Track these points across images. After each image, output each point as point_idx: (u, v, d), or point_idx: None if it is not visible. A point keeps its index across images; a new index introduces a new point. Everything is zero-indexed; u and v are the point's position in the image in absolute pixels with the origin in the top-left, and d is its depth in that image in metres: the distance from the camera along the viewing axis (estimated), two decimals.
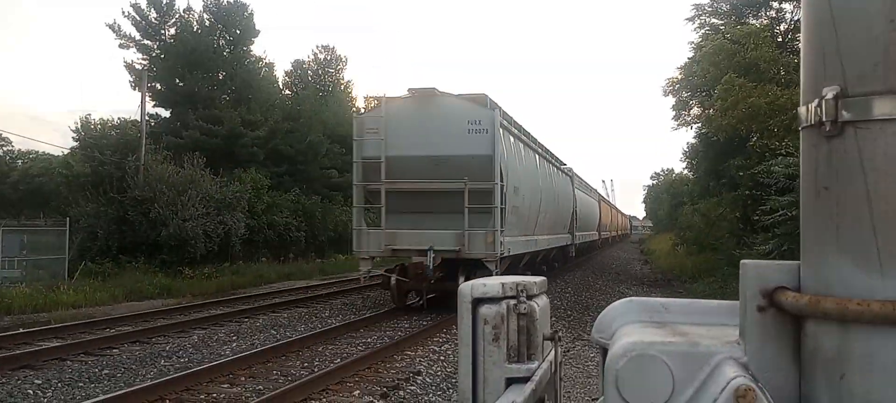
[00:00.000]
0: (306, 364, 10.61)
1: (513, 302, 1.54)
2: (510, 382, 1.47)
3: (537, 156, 19.83)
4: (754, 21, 28.01)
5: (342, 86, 49.64)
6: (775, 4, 29.28)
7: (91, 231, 23.98)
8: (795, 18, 29.46)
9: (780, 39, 29.64)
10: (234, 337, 12.92)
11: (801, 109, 0.85)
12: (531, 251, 18.91)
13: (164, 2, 35.49)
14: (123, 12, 35.11)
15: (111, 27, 35.02)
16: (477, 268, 14.18)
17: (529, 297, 1.58)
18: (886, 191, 0.73)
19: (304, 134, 37.73)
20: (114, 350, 11.55)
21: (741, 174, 19.13)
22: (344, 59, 50.12)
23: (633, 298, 1.19)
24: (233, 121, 33.78)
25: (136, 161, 25.53)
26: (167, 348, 11.79)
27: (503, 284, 1.56)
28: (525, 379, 1.45)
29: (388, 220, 15.01)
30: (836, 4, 0.77)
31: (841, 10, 0.77)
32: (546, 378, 1.50)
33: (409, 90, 15.50)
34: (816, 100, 0.79)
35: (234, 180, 29.01)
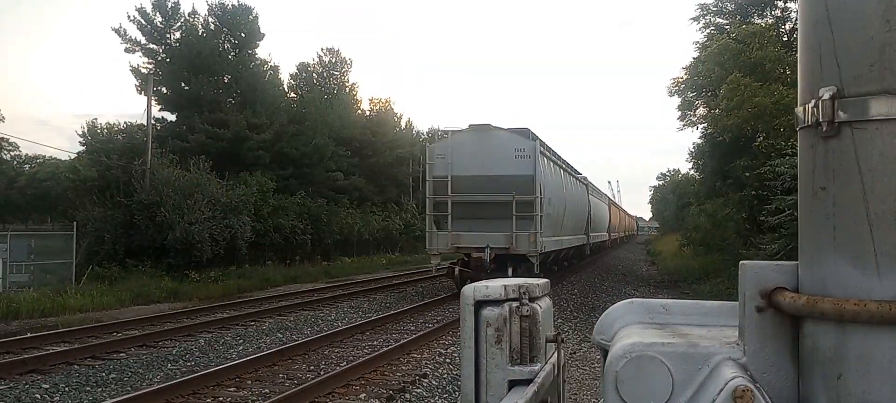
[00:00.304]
0: (312, 367, 10.62)
1: (515, 304, 1.54)
2: (513, 384, 1.46)
3: (562, 172, 23.80)
4: (759, 20, 27.92)
5: (347, 89, 49.76)
6: (780, 3, 29.16)
7: (98, 235, 24.09)
8: None
9: (785, 38, 29.55)
10: (240, 341, 12.95)
11: (799, 110, 0.85)
12: (558, 248, 22.68)
13: (169, 6, 35.62)
14: (129, 16, 35.41)
15: (117, 31, 35.23)
16: (522, 262, 18.29)
17: (532, 299, 1.58)
18: (883, 190, 0.73)
19: (309, 137, 37.81)
20: (121, 354, 11.59)
21: (747, 174, 19.04)
22: (349, 62, 50.33)
23: (633, 299, 1.19)
24: (238, 124, 33.88)
25: (142, 165, 25.62)
26: (174, 352, 11.82)
27: (505, 286, 1.55)
28: (528, 382, 1.44)
29: (453, 225, 18.94)
30: (832, 5, 0.78)
31: (837, 11, 0.77)
32: (549, 379, 1.50)
33: (470, 126, 19.52)
34: (813, 101, 0.80)
35: (240, 183, 29.09)
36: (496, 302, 1.53)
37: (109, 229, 24.19)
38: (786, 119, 17.12)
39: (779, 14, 29.15)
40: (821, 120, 0.78)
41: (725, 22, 28.09)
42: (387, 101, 54.22)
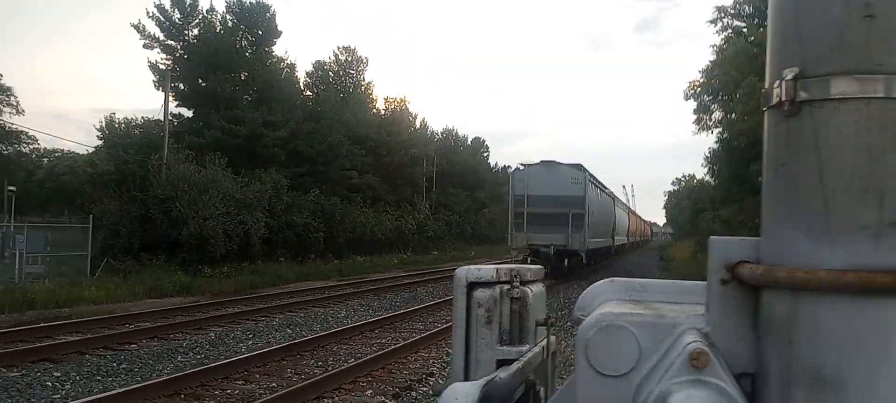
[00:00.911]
0: (320, 363, 10.66)
1: (506, 286, 1.54)
2: (501, 364, 1.46)
3: (599, 192, 31.75)
4: None
5: (363, 88, 49.90)
6: None
7: (114, 228, 24.31)
8: None
9: None
10: (250, 335, 13.02)
11: (765, 91, 0.88)
12: (596, 247, 30.18)
13: (188, 2, 35.93)
14: (148, 13, 35.60)
15: (136, 27, 35.54)
16: (574, 255, 26.14)
17: (523, 283, 1.58)
18: (838, 166, 0.78)
19: (324, 135, 37.95)
20: (132, 346, 11.70)
21: (761, 179, 18.88)
22: (365, 61, 50.42)
23: (614, 279, 1.23)
24: (254, 121, 34.08)
25: (158, 160, 25.84)
26: (184, 344, 11.91)
27: (498, 269, 1.56)
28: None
29: (527, 228, 25.98)
30: None
31: None
32: (537, 361, 1.49)
33: (541, 161, 27.27)
34: (778, 81, 0.84)
35: (255, 180, 29.27)
36: (487, 284, 1.53)
37: (125, 223, 24.40)
38: None
39: None
40: (783, 99, 0.82)
41: (743, 25, 27.87)
42: (402, 101, 54.37)
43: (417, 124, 55.58)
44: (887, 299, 0.76)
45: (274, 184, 30.41)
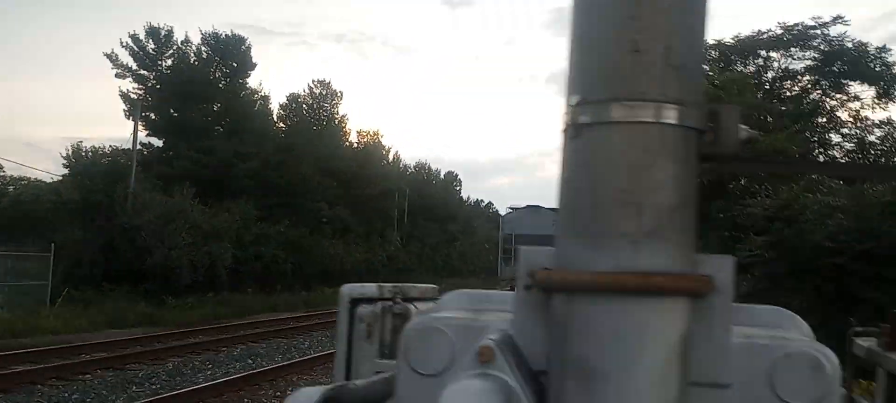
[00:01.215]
0: (279, 393, 10.58)
1: (389, 303, 1.65)
2: None
3: None
4: (742, 67, 28.59)
5: (337, 121, 49.94)
6: (763, 53, 29.91)
7: (76, 257, 23.87)
8: (783, 66, 30.24)
9: (767, 86, 30.21)
10: (209, 366, 12.87)
11: (561, 115, 1.01)
12: None
13: (163, 33, 35.89)
14: (122, 42, 35.46)
15: (108, 56, 35.33)
16: None
17: (408, 300, 1.69)
18: (607, 181, 0.89)
19: (295, 166, 37.87)
20: (86, 376, 11.49)
21: (721, 216, 19.39)
22: (339, 94, 50.52)
23: (462, 290, 1.31)
24: (225, 152, 33.92)
25: (125, 189, 25.54)
26: (140, 375, 11.73)
27: (380, 286, 1.67)
28: None
29: (514, 263, 30.44)
30: (583, 29, 0.96)
31: (585, 34, 0.95)
32: None
33: (527, 206, 37.97)
34: (566, 107, 0.96)
35: (223, 211, 29.03)
36: (370, 300, 1.64)
37: (87, 252, 23.99)
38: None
39: (762, 63, 29.87)
40: (569, 123, 0.94)
41: (707, 68, 28.75)
42: (375, 134, 54.52)
43: (390, 158, 55.73)
44: (640, 298, 0.86)
45: (242, 214, 30.19)
